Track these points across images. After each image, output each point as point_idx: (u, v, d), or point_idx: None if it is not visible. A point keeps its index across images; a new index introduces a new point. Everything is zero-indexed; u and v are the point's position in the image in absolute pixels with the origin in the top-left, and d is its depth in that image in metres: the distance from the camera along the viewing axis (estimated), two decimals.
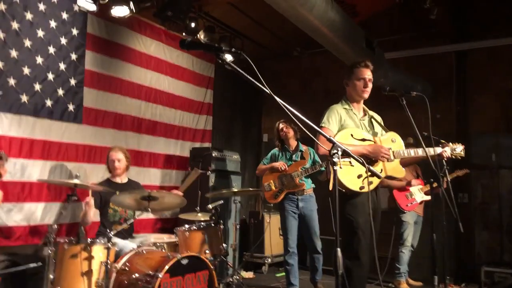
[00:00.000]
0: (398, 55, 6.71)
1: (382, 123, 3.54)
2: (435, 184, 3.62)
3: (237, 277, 4.35)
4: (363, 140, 3.24)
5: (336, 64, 5.94)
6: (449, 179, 3.66)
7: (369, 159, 3.16)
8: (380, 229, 3.43)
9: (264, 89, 1.78)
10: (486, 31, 6.23)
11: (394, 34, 6.70)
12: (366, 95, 3.41)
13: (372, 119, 3.47)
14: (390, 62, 6.21)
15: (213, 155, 5.78)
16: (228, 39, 5.95)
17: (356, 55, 5.38)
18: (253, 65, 1.77)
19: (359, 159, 1.98)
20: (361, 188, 3.07)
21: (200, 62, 6.60)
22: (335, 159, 1.93)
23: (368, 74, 3.37)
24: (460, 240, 6.03)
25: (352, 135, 3.21)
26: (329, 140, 1.92)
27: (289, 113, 1.98)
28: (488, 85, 6.30)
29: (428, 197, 5.58)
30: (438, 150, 3.37)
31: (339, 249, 1.85)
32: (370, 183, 3.10)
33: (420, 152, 3.27)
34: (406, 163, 3.39)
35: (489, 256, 6.04)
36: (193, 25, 5.26)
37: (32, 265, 3.73)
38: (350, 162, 3.01)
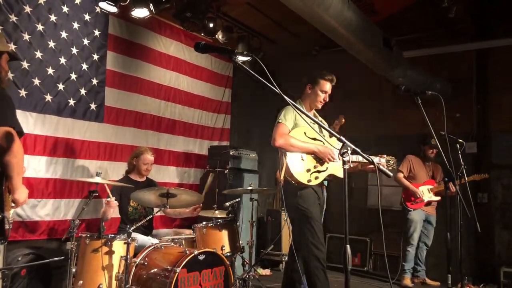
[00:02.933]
0: (418, 54, 6.66)
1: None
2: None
3: (254, 274, 4.41)
4: (314, 139, 3.52)
5: (355, 63, 5.93)
6: (466, 180, 3.67)
7: (317, 158, 3.49)
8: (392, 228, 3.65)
9: (274, 89, 1.84)
10: (507, 30, 6.14)
11: (414, 32, 6.65)
12: (320, 107, 3.72)
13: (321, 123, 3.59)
14: (409, 61, 6.18)
15: (231, 153, 5.85)
16: (246, 39, 6.00)
17: (373, 54, 5.39)
18: (263, 66, 1.82)
19: (368, 158, 2.01)
20: (308, 181, 3.40)
21: (218, 61, 6.68)
22: (346, 158, 1.97)
23: (329, 88, 3.70)
24: (480, 240, 5.97)
25: (305, 133, 3.51)
26: (339, 139, 1.96)
27: (298, 112, 2.03)
28: (509, 84, 6.21)
29: (437, 198, 5.65)
30: (376, 159, 3.67)
31: (348, 246, 1.89)
32: (316, 178, 3.46)
33: (360, 158, 3.45)
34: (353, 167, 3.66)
35: (509, 256, 5.96)
36: (211, 25, 5.33)
37: (55, 258, 3.85)
38: (301, 156, 3.40)
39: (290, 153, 3.40)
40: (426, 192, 5.65)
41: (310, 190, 3.49)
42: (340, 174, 3.58)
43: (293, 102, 1.91)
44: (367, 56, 5.43)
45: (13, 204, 2.40)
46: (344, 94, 7.27)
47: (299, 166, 3.40)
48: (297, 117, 3.52)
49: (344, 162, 1.94)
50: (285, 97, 1.85)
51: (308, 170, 3.43)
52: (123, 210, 4.26)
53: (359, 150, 1.94)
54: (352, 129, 6.31)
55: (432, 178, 5.78)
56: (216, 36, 5.51)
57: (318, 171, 3.47)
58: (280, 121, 3.53)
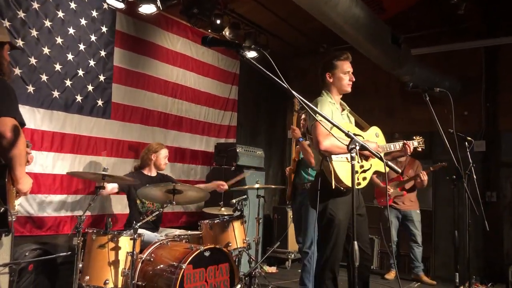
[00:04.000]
0: (426, 51, 6.62)
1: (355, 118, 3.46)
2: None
3: (260, 271, 4.40)
4: (355, 135, 3.17)
5: (363, 61, 5.90)
6: (474, 176, 3.62)
7: (363, 155, 3.15)
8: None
9: (283, 84, 1.82)
10: None
11: (422, 30, 6.61)
12: (350, 89, 3.32)
13: (349, 114, 3.39)
14: (418, 58, 6.13)
15: (238, 150, 5.85)
16: (253, 36, 5.98)
17: (381, 51, 5.36)
18: (271, 61, 1.80)
19: (377, 154, 1.99)
20: (358, 184, 3.08)
21: (225, 58, 6.67)
22: (353, 154, 1.95)
23: (350, 67, 3.30)
24: (488, 239, 5.93)
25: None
26: (347, 135, 1.94)
27: (308, 109, 2.01)
28: None
29: (401, 192, 5.76)
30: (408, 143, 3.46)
31: (356, 242, 1.87)
32: (364, 178, 3.14)
33: (398, 146, 3.31)
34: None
35: None
36: (218, 22, 5.33)
37: (62, 254, 3.87)
38: (347, 158, 2.97)
39: (334, 155, 3.01)
40: (392, 188, 5.78)
41: (346, 198, 3.07)
42: (383, 169, 3.36)
43: (302, 98, 1.89)
44: (375, 54, 5.39)
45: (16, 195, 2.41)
46: (351, 91, 7.25)
47: (345, 169, 3.00)
48: (332, 111, 3.17)
49: (352, 158, 1.92)
50: (294, 92, 1.83)
51: (356, 172, 3.01)
52: (131, 204, 4.28)
53: (367, 145, 1.92)
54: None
55: (401, 174, 5.82)
56: (223, 32, 5.51)
57: (364, 171, 3.17)
58: (317, 121, 3.13)
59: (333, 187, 2.94)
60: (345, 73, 3.26)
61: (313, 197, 3.08)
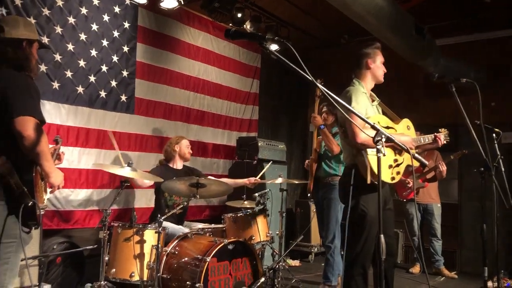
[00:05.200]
0: (451, 41, 6.48)
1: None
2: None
3: (283, 264, 4.40)
4: (387, 128, 3.08)
5: (385, 51, 5.80)
6: (502, 169, 3.53)
7: (397, 149, 3.04)
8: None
9: (307, 76, 1.80)
10: None
11: (447, 19, 6.46)
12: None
13: (378, 106, 3.28)
14: (442, 49, 6.00)
15: (259, 144, 5.84)
16: (274, 28, 5.95)
17: (405, 42, 5.26)
18: (295, 52, 1.79)
19: (403, 147, 1.96)
20: (392, 179, 3.00)
21: (246, 52, 6.66)
22: (379, 147, 1.92)
23: None
24: None
25: (379, 122, 2.97)
26: (373, 127, 1.91)
27: (333, 101, 1.99)
28: None
29: (423, 184, 5.61)
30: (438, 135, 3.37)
31: (382, 236, 1.85)
32: (397, 173, 3.03)
33: (429, 139, 3.22)
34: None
35: None
36: (239, 15, 5.31)
37: (88, 247, 3.95)
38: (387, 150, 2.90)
39: (369, 149, 2.89)
40: (412, 180, 5.61)
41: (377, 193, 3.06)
42: (415, 162, 3.28)
43: (327, 90, 1.86)
44: (398, 44, 5.31)
45: (50, 189, 2.46)
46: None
47: (381, 164, 2.96)
48: (366, 102, 3.06)
49: (378, 151, 1.89)
50: (318, 84, 1.81)
51: (390, 166, 3.01)
52: (158, 197, 4.33)
53: (393, 137, 1.89)
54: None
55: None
56: (244, 26, 5.49)
57: (398, 165, 3.06)
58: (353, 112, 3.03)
59: (369, 182, 2.84)
60: (382, 63, 3.21)
61: (345, 192, 2.98)
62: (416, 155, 2.01)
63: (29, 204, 2.16)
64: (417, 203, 5.74)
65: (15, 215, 2.15)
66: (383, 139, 1.90)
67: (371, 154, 2.87)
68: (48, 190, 2.46)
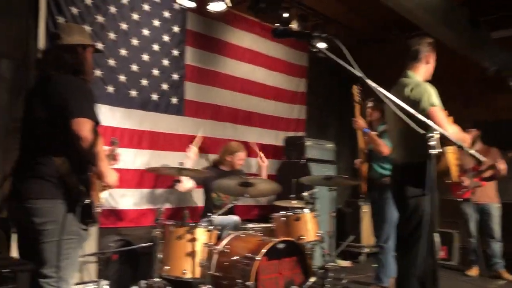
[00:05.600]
0: (508, 34, 6.15)
1: None
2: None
3: (334, 264, 4.36)
4: None
5: (437, 46, 5.63)
6: None
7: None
8: None
9: (357, 73, 1.78)
10: None
11: (503, 11, 6.15)
12: None
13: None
14: (499, 42, 5.73)
15: (307, 144, 5.82)
16: (321, 26, 5.91)
17: (458, 36, 5.09)
18: (344, 49, 1.77)
19: (459, 143, 1.89)
20: (458, 177, 3.05)
21: (293, 52, 6.64)
22: (433, 143, 1.86)
23: None
24: None
25: None
26: (425, 123, 1.86)
27: (382, 97, 1.96)
28: None
29: (479, 183, 5.37)
30: None
31: (436, 234, 1.80)
32: (456, 172, 3.00)
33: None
34: None
35: None
36: (286, 15, 5.31)
37: (143, 245, 4.08)
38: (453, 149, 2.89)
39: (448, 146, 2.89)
40: (468, 179, 5.40)
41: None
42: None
43: (375, 85, 1.83)
44: (451, 38, 5.13)
45: (105, 188, 2.57)
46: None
47: (452, 162, 2.95)
48: None
49: (431, 147, 1.84)
50: (368, 80, 1.79)
51: (456, 165, 3.02)
52: (207, 197, 4.41)
53: (447, 134, 1.83)
54: None
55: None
56: (291, 25, 5.48)
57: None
58: (435, 104, 2.89)
59: (455, 179, 2.87)
60: (435, 62, 3.17)
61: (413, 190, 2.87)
62: (473, 151, 1.94)
63: (86, 203, 2.25)
64: (474, 203, 5.50)
65: (73, 213, 2.25)
66: (437, 136, 1.84)
67: (450, 152, 2.85)
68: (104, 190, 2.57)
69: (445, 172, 2.89)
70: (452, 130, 2.78)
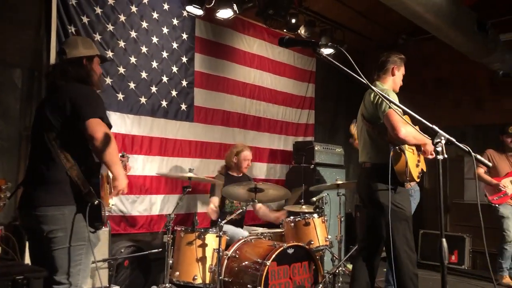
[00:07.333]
0: None
1: None
2: None
3: (343, 269, 4.36)
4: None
5: (446, 50, 5.62)
6: None
7: (419, 149, 3.19)
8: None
9: (361, 79, 1.80)
10: None
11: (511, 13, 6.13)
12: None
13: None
14: (508, 44, 5.71)
15: (316, 148, 5.82)
16: (329, 32, 5.92)
17: (466, 39, 5.07)
18: (349, 56, 1.79)
19: (464, 147, 1.89)
20: (418, 177, 3.17)
21: (301, 57, 6.67)
22: (439, 149, 1.87)
23: None
24: None
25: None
26: (432, 129, 1.86)
27: (388, 103, 1.97)
28: None
29: None
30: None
31: (444, 240, 1.80)
32: (419, 173, 3.19)
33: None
34: None
35: None
36: (293, 21, 5.35)
37: (154, 250, 4.11)
38: (412, 150, 3.08)
39: (406, 146, 3.06)
40: (509, 184, 5.24)
41: (407, 191, 3.31)
42: (424, 168, 3.36)
43: (379, 91, 1.85)
44: (460, 42, 5.12)
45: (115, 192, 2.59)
46: (435, 83, 6.92)
47: (412, 161, 3.11)
48: None
49: (437, 153, 1.84)
50: (372, 87, 1.81)
51: (417, 165, 3.18)
52: (221, 205, 4.44)
53: (453, 139, 1.84)
54: (447, 119, 5.99)
55: None
56: (299, 31, 5.52)
57: (417, 165, 3.22)
58: (391, 108, 3.03)
59: (408, 178, 3.05)
60: (402, 76, 3.46)
61: (380, 192, 3.11)
62: (479, 156, 1.94)
63: (95, 203, 2.27)
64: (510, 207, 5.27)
65: (82, 214, 2.27)
66: (443, 141, 1.85)
67: (407, 149, 3.02)
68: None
69: (403, 171, 3.05)
70: (404, 131, 2.91)
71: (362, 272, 3.33)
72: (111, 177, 2.48)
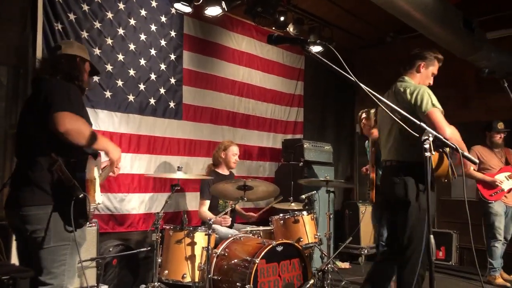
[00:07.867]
0: (503, 34, 6.19)
1: None
2: None
3: (333, 266, 4.38)
4: None
5: (434, 48, 5.64)
6: None
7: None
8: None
9: (350, 77, 1.81)
10: None
11: (497, 11, 6.20)
12: None
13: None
14: (494, 42, 5.77)
15: (305, 146, 5.84)
16: (317, 29, 5.94)
17: (453, 37, 5.11)
18: (337, 54, 1.80)
19: (452, 145, 1.91)
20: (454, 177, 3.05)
21: (290, 55, 6.68)
22: (426, 146, 1.88)
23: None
24: None
25: None
26: (420, 126, 1.88)
27: (377, 101, 1.98)
28: None
29: None
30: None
31: (431, 236, 1.82)
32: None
33: None
34: None
35: None
36: (282, 18, 5.36)
37: (142, 249, 4.09)
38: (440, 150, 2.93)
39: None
40: (505, 180, 5.22)
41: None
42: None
43: (370, 90, 1.86)
44: (446, 40, 5.16)
45: (111, 174, 2.54)
46: None
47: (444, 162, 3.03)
48: None
49: (425, 150, 1.86)
50: (361, 84, 1.81)
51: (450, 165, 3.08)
52: (214, 205, 4.43)
53: (440, 136, 1.86)
54: None
55: (506, 164, 5.33)
56: (287, 29, 5.52)
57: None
58: (437, 105, 2.98)
59: (455, 178, 2.98)
60: (433, 74, 3.27)
61: (410, 191, 3.00)
62: (465, 153, 1.96)
63: (80, 196, 2.19)
64: (505, 204, 5.22)
65: (66, 212, 2.20)
66: (431, 138, 1.87)
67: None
68: (99, 191, 2.51)
69: (444, 173, 2.97)
70: (450, 131, 2.85)
71: (381, 274, 3.30)
72: (101, 168, 2.47)
